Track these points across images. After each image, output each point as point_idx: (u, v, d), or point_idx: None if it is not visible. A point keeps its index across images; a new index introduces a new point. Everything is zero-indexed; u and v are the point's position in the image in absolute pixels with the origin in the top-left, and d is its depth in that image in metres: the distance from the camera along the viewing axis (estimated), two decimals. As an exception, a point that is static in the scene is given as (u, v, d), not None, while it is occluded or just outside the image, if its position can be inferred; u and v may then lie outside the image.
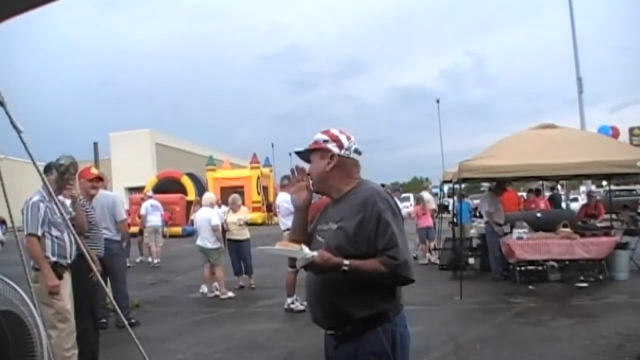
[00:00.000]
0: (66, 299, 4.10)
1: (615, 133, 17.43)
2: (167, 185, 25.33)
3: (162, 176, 27.59)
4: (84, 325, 4.61)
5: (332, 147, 2.21)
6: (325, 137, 2.23)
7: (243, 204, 9.60)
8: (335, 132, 2.25)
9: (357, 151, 2.24)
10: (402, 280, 2.09)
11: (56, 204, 3.78)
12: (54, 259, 4.09)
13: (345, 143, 2.22)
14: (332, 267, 2.00)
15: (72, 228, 3.93)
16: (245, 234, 8.97)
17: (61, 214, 3.89)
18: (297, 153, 2.33)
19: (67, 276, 4.20)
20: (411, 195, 36.25)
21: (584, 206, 11.85)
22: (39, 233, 4.04)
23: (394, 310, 2.13)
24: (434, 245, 11.68)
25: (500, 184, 9.45)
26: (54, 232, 4.12)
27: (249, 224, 9.24)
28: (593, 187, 19.82)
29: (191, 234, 11.50)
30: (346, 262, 1.99)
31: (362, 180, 2.25)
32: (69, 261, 4.20)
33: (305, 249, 2.03)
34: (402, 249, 2.03)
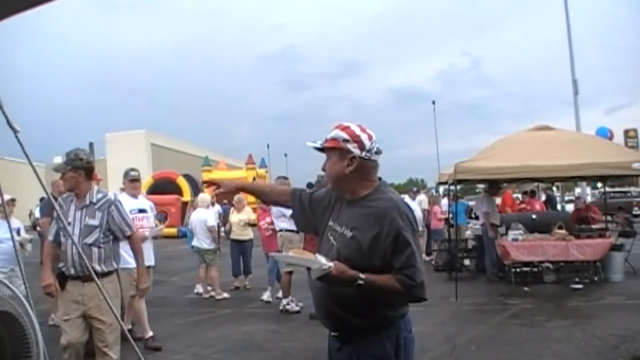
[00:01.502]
0: (61, 307, 3.80)
1: (610, 135, 17.49)
2: (162, 186, 25.18)
3: (158, 177, 27.45)
4: None
5: (352, 148, 2.04)
6: (346, 136, 2.05)
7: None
8: (356, 130, 2.07)
9: (377, 152, 2.09)
10: (415, 300, 2.03)
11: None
12: (60, 265, 3.81)
13: (367, 144, 2.05)
14: (347, 279, 1.91)
15: (70, 234, 3.68)
16: (248, 234, 9.00)
17: (59, 217, 3.68)
18: (314, 147, 2.17)
19: (71, 287, 3.76)
20: (406, 197, 36.40)
21: (575, 211, 11.73)
22: (51, 238, 3.91)
23: (399, 315, 2.08)
24: (432, 247, 11.73)
25: (493, 185, 9.49)
26: (62, 238, 3.82)
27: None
28: (588, 189, 19.87)
29: (186, 235, 11.46)
30: (362, 275, 1.91)
31: (380, 185, 2.11)
32: (71, 272, 3.73)
33: (320, 258, 1.93)
34: (419, 270, 1.96)
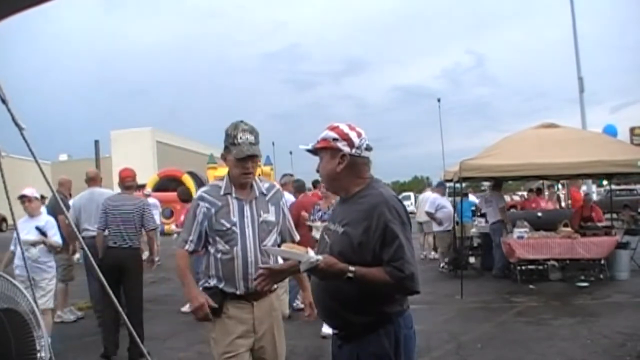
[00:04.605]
0: (223, 340, 2.80)
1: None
2: (167, 184, 25.25)
3: (163, 174, 27.51)
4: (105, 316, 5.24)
5: (342, 146, 2.08)
6: (335, 135, 2.10)
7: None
8: (345, 129, 2.11)
9: (368, 148, 2.12)
10: (407, 292, 2.04)
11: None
12: (212, 282, 2.79)
13: (356, 141, 2.09)
14: (337, 273, 1.95)
15: (254, 238, 2.75)
16: None
17: (211, 216, 2.73)
18: (306, 150, 2.21)
19: (235, 310, 2.75)
20: (411, 194, 36.42)
21: (578, 209, 10.49)
22: (189, 247, 2.81)
23: (397, 312, 2.07)
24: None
25: (498, 182, 9.48)
26: (219, 245, 2.74)
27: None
28: (594, 187, 19.75)
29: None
30: (351, 268, 1.93)
31: (371, 182, 2.14)
32: (238, 291, 2.72)
33: (311, 253, 1.98)
34: (408, 261, 1.95)
